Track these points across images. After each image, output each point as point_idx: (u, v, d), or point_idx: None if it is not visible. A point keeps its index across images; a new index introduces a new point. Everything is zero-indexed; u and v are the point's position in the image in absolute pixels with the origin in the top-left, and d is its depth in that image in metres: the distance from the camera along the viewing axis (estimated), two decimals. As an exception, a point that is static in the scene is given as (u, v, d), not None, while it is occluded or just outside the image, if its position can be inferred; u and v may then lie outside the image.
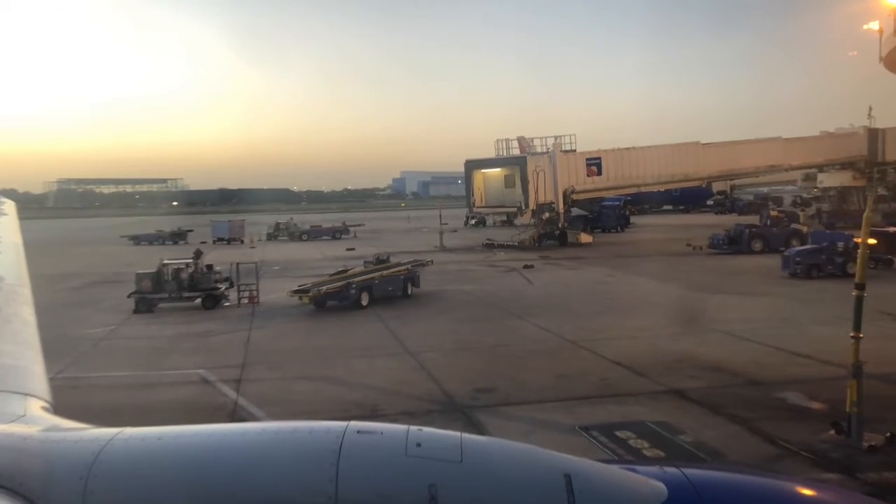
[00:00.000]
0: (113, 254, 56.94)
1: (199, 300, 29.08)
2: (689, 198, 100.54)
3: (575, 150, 59.71)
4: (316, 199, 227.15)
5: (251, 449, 2.97)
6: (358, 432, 2.94)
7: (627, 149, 60.67)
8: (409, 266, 32.05)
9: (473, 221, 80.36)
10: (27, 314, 5.46)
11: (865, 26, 54.48)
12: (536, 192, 55.00)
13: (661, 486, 3.10)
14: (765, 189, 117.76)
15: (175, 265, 29.64)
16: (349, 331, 23.80)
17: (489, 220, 77.59)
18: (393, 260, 34.25)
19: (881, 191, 65.19)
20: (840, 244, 33.70)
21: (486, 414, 14.24)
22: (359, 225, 77.64)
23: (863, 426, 11.96)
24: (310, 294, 27.18)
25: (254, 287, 29.75)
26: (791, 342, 19.54)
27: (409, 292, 30.29)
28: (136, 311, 28.00)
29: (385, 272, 30.59)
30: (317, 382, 17.29)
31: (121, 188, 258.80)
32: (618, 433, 12.66)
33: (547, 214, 56.18)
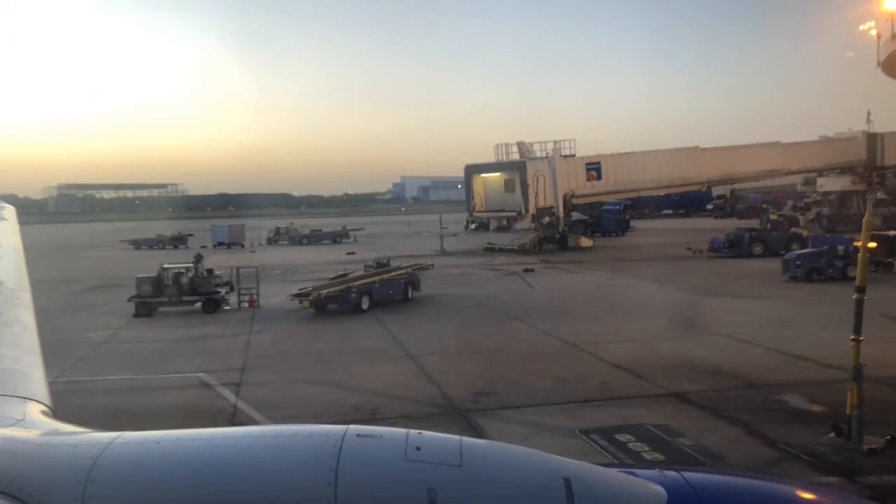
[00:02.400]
0: (113, 258, 56.97)
1: (199, 304, 29.08)
2: (689, 202, 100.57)
3: (574, 155, 59.71)
4: (316, 204, 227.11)
5: (250, 453, 2.96)
6: (357, 436, 2.93)
7: (627, 153, 60.71)
8: (409, 270, 32.07)
9: (474, 226, 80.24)
10: (27, 318, 5.46)
11: (861, 27, 54.64)
12: (536, 197, 55.01)
13: (660, 489, 3.09)
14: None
15: (175, 269, 29.67)
16: (349, 334, 23.79)
17: (492, 224, 77.39)
18: (393, 264, 34.27)
19: (880, 195, 65.19)
20: (840, 248, 33.71)
21: (487, 417, 14.23)
22: (359, 229, 77.63)
23: (863, 429, 11.94)
24: (310, 298, 27.18)
25: (254, 291, 29.76)
26: (791, 345, 19.53)
27: (410, 296, 30.29)
28: (136, 315, 27.99)
29: (385, 276, 30.61)
30: (316, 386, 17.28)
31: (121, 193, 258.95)
32: (618, 436, 12.64)
33: (547, 219, 56.22)
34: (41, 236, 71.82)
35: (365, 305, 27.89)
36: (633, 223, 79.43)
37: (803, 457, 11.70)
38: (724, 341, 20.69)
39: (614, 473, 3.21)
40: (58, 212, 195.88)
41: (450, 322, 25.46)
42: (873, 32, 52.72)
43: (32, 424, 3.61)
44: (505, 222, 67.56)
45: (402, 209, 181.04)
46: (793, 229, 50.36)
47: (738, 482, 3.75)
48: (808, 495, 3.49)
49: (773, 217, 57.32)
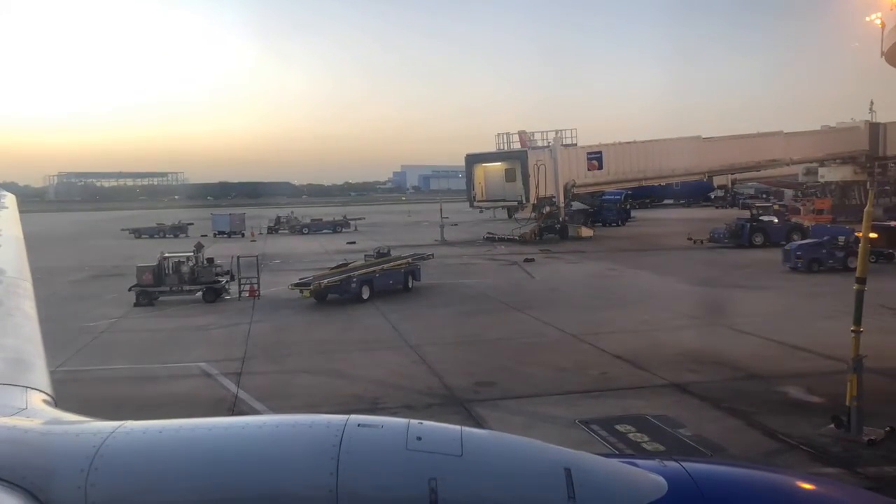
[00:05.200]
0: (114, 247, 56.97)
1: (199, 293, 29.09)
2: (691, 192, 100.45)
3: (576, 145, 59.62)
4: (316, 193, 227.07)
5: (252, 442, 2.98)
6: (358, 426, 2.95)
7: (628, 143, 60.62)
8: (409, 259, 32.07)
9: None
10: (28, 307, 5.45)
11: (868, 18, 54.31)
12: (537, 186, 54.97)
13: (660, 479, 3.10)
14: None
15: (176, 258, 29.67)
16: (350, 324, 23.81)
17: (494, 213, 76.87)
18: (394, 253, 34.26)
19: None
20: (841, 238, 33.69)
21: (487, 408, 14.27)
22: (359, 218, 77.60)
23: (862, 420, 11.97)
24: (310, 287, 27.18)
25: (254, 280, 29.74)
26: (791, 336, 19.55)
27: (410, 286, 30.30)
28: (136, 305, 28.02)
29: (386, 266, 30.60)
30: (317, 376, 17.33)
31: (122, 181, 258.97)
32: (618, 427, 12.68)
33: (548, 208, 56.15)
34: (41, 225, 71.80)
35: (365, 295, 27.90)
36: (633, 213, 79.33)
37: (803, 447, 11.74)
38: (725, 332, 20.72)
39: (614, 463, 3.22)
40: (58, 200, 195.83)
41: (450, 312, 25.47)
42: (878, 22, 52.35)
43: (34, 414, 3.62)
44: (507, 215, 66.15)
45: (403, 198, 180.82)
46: (793, 220, 50.30)
47: (737, 472, 3.76)
48: (807, 486, 3.49)
49: (773, 207, 57.15)
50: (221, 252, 37.40)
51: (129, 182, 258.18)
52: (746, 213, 52.42)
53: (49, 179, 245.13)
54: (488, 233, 58.17)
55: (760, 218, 47.88)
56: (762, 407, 13.76)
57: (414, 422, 3.02)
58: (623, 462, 3.26)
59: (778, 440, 12.13)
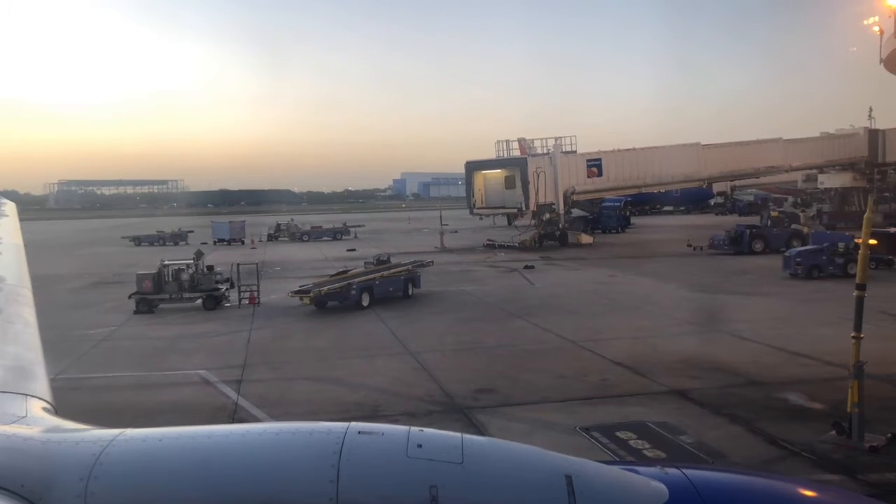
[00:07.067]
0: (114, 255, 56.93)
1: (199, 301, 29.08)
2: (691, 199, 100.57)
3: (575, 152, 59.67)
4: (316, 200, 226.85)
5: (252, 450, 2.97)
6: (359, 433, 2.95)
7: (628, 150, 60.65)
8: (409, 267, 32.07)
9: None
10: (28, 315, 5.46)
11: (866, 21, 54.44)
12: (537, 193, 54.99)
13: (662, 487, 3.10)
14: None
15: (176, 266, 29.66)
16: (350, 331, 23.79)
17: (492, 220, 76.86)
18: (394, 260, 34.26)
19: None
20: (841, 245, 33.73)
21: (487, 415, 14.25)
22: (359, 226, 77.63)
23: (864, 427, 11.95)
24: (310, 295, 27.16)
25: (254, 288, 29.75)
26: (792, 342, 19.54)
27: (410, 293, 30.30)
28: (136, 312, 27.99)
29: (386, 273, 30.60)
30: (317, 383, 17.30)
31: (122, 189, 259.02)
32: (619, 434, 12.65)
33: (547, 215, 56.17)
34: (42, 233, 71.83)
35: (365, 302, 27.89)
36: (633, 220, 79.35)
37: (804, 454, 11.71)
38: (725, 338, 20.70)
39: (615, 471, 3.21)
40: (58, 208, 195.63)
41: (450, 319, 25.45)
42: (876, 29, 52.45)
43: (34, 421, 3.61)
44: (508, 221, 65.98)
45: (403, 205, 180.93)
46: (793, 226, 50.29)
47: (739, 479, 3.76)
48: (809, 493, 3.49)
49: (773, 214, 57.21)
50: (221, 259, 37.43)
51: (129, 190, 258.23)
52: (751, 220, 52.02)
53: (49, 187, 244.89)
54: (488, 240, 58.15)
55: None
56: (763, 413, 13.74)
57: (414, 429, 3.02)
58: (624, 469, 3.26)
59: (779, 447, 12.11)
